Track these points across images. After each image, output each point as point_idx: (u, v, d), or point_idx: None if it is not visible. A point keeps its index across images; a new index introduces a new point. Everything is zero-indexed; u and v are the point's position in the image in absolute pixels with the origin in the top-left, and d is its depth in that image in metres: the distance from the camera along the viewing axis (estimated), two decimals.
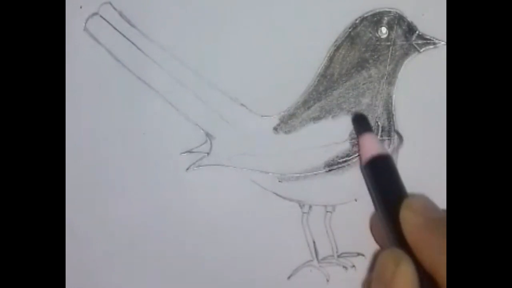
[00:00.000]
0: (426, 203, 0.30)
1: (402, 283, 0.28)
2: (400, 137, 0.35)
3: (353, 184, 0.35)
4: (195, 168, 0.35)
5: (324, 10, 0.36)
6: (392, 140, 0.36)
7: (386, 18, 0.36)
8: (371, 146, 0.33)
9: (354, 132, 0.35)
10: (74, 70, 0.36)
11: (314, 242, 0.35)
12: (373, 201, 0.34)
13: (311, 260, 0.35)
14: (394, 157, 0.35)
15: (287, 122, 0.36)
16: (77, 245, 0.35)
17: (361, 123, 0.35)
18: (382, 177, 0.32)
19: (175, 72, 0.36)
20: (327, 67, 0.36)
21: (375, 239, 0.34)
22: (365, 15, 0.36)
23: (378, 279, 0.29)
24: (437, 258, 0.27)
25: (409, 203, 0.30)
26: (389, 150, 0.35)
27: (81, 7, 0.36)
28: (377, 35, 0.36)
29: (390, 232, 0.31)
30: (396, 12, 0.36)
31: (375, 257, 0.34)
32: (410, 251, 0.29)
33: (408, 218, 0.29)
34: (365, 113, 0.36)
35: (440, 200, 0.30)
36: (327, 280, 0.35)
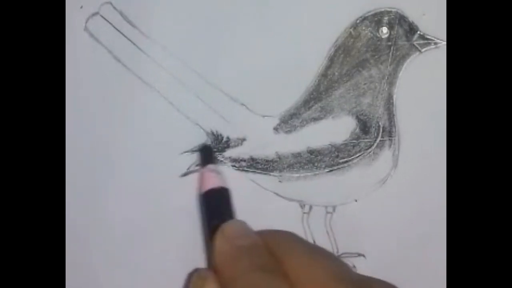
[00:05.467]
0: (238, 229, 0.31)
1: None
2: None
3: (353, 185, 0.35)
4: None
5: (324, 10, 0.36)
6: (393, 141, 0.36)
7: (387, 18, 0.36)
8: (211, 179, 0.34)
9: (354, 133, 0.35)
10: (74, 70, 0.36)
11: (314, 242, 0.35)
12: (203, 227, 0.34)
13: None
14: (394, 157, 0.35)
15: (288, 122, 0.36)
16: (77, 245, 0.35)
17: (206, 155, 0.35)
18: (215, 206, 0.33)
19: (176, 72, 0.36)
20: (327, 67, 0.36)
21: None
22: (366, 15, 0.36)
23: None
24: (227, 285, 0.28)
25: (222, 228, 0.31)
26: (389, 150, 0.35)
27: (81, 7, 0.36)
28: (378, 35, 0.36)
29: (208, 254, 0.32)
30: (397, 12, 0.36)
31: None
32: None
33: (217, 242, 0.30)
34: (365, 113, 0.36)
35: (440, 200, 0.30)
36: None
